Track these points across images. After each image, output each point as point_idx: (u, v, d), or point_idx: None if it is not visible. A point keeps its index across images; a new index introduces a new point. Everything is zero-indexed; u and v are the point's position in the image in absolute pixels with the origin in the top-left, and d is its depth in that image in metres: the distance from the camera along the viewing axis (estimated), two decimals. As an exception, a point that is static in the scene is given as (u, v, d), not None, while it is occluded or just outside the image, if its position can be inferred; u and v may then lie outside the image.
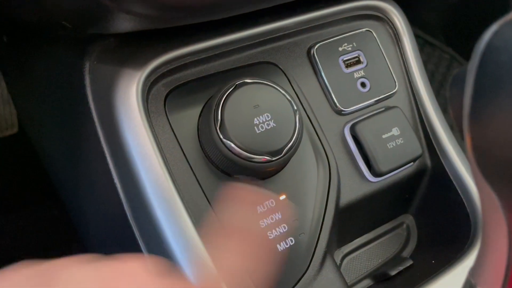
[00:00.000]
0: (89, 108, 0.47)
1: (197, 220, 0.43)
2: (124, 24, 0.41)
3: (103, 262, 0.28)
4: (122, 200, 0.45)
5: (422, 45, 1.45)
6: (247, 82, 0.45)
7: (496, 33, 0.23)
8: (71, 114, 0.52)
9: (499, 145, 0.23)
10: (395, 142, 0.51)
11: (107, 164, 0.46)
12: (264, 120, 0.43)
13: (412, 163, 0.53)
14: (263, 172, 0.45)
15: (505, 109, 0.22)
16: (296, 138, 0.44)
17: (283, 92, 0.46)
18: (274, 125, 0.44)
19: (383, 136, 0.51)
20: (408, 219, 0.58)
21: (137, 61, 0.45)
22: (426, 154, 0.54)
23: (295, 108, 0.45)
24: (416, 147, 0.52)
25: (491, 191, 0.25)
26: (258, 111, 0.44)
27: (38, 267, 0.28)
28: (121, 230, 0.47)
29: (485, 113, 0.23)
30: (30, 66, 0.60)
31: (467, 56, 1.45)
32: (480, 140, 0.24)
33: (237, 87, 0.44)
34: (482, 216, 0.28)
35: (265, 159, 0.43)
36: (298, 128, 0.45)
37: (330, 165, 0.49)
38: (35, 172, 0.84)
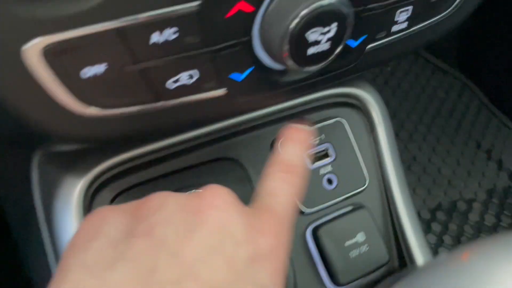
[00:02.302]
0: (35, 208, 0.45)
1: None
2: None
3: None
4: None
5: (433, 70, 1.39)
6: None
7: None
8: (23, 203, 0.50)
9: None
10: (358, 250, 0.48)
11: (49, 266, 0.44)
12: (209, 240, 0.41)
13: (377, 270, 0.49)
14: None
15: None
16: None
17: (234, 204, 0.43)
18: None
19: (346, 244, 0.47)
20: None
21: (79, 167, 0.43)
22: (395, 258, 0.51)
23: (246, 222, 0.43)
24: (382, 255, 0.49)
25: None
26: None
27: (128, 205, 0.31)
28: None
29: None
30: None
31: (480, 84, 1.39)
32: None
33: (183, 199, 0.42)
34: None
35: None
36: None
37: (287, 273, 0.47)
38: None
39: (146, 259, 0.26)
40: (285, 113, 0.50)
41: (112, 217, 0.29)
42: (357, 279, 0.47)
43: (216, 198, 0.30)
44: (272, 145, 0.49)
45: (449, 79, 1.39)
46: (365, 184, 0.51)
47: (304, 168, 0.35)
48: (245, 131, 0.49)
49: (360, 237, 0.48)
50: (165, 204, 0.29)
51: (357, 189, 0.50)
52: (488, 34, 1.29)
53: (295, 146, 0.37)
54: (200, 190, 0.31)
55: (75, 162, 0.43)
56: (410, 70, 1.38)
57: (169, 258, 0.26)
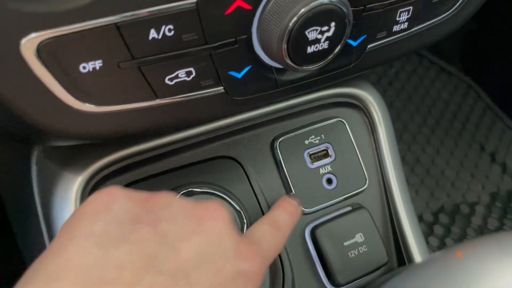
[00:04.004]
0: (35, 202, 0.45)
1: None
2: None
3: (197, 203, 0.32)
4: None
5: (437, 72, 1.38)
6: (193, 191, 0.42)
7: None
8: (23, 197, 0.50)
9: None
10: (357, 250, 0.47)
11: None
12: (206, 238, 0.41)
13: (376, 271, 0.49)
14: None
15: None
16: (242, 255, 0.41)
17: (232, 203, 0.43)
18: (217, 243, 0.41)
19: (345, 244, 0.47)
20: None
21: (78, 164, 0.42)
22: (394, 259, 0.51)
23: (244, 221, 0.43)
24: (381, 255, 0.48)
25: None
26: (200, 227, 0.41)
27: (139, 194, 0.31)
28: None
29: None
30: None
31: (485, 86, 1.38)
32: None
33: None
34: None
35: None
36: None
37: (285, 273, 0.46)
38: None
39: (148, 246, 0.28)
40: (285, 112, 0.49)
41: (122, 198, 0.30)
42: (355, 279, 0.47)
43: (218, 212, 0.32)
44: (271, 144, 0.49)
45: (454, 81, 1.38)
46: (365, 185, 0.50)
47: (287, 233, 0.39)
48: (244, 130, 0.48)
49: (359, 237, 0.48)
50: (172, 204, 0.31)
51: (357, 189, 0.50)
52: (493, 36, 1.29)
53: (285, 214, 0.41)
54: (204, 201, 0.33)
55: (74, 158, 0.43)
56: (414, 71, 1.37)
57: (168, 251, 0.28)
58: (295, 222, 0.42)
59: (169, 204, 0.31)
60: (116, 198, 0.30)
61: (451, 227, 1.09)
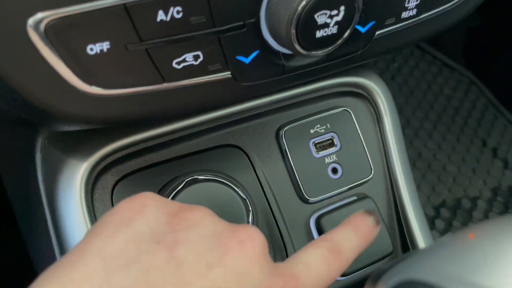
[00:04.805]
0: (39, 190, 0.45)
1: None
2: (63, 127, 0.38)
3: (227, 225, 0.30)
4: None
5: (440, 67, 1.38)
6: (198, 179, 0.42)
7: None
8: (27, 185, 0.50)
9: None
10: (362, 240, 0.47)
11: (52, 248, 0.44)
12: (212, 225, 0.40)
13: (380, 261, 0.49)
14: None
15: None
16: (247, 243, 0.41)
17: (237, 190, 0.42)
18: (222, 230, 0.41)
19: (350, 233, 0.47)
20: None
21: (82, 151, 0.42)
22: (399, 248, 0.50)
23: (249, 208, 0.42)
24: (386, 245, 0.48)
25: None
26: (206, 214, 0.41)
27: (170, 206, 0.30)
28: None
29: None
30: None
31: (487, 81, 1.37)
32: None
33: (186, 184, 0.41)
34: None
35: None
36: (250, 232, 0.41)
37: (289, 262, 0.46)
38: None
39: (157, 275, 0.26)
40: (290, 101, 0.49)
41: (151, 209, 0.29)
42: (360, 269, 0.47)
43: (248, 241, 0.29)
44: (277, 133, 0.49)
45: (456, 76, 1.37)
46: (370, 175, 0.50)
47: (350, 261, 0.33)
48: (249, 118, 0.48)
49: (364, 227, 0.47)
50: (200, 224, 0.29)
51: (362, 179, 0.50)
52: (496, 31, 1.28)
53: (355, 236, 0.35)
54: (238, 226, 0.30)
55: (78, 145, 0.43)
56: (417, 66, 1.36)
57: (177, 285, 0.26)
58: (364, 247, 0.36)
59: (196, 223, 0.29)
60: (144, 209, 0.29)
61: (453, 222, 1.09)
